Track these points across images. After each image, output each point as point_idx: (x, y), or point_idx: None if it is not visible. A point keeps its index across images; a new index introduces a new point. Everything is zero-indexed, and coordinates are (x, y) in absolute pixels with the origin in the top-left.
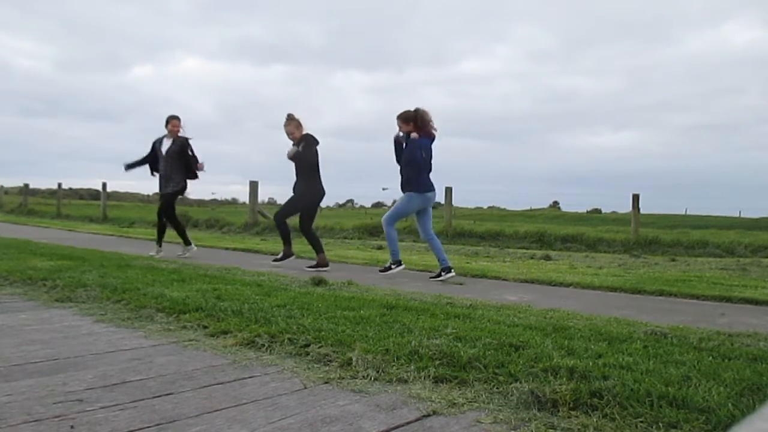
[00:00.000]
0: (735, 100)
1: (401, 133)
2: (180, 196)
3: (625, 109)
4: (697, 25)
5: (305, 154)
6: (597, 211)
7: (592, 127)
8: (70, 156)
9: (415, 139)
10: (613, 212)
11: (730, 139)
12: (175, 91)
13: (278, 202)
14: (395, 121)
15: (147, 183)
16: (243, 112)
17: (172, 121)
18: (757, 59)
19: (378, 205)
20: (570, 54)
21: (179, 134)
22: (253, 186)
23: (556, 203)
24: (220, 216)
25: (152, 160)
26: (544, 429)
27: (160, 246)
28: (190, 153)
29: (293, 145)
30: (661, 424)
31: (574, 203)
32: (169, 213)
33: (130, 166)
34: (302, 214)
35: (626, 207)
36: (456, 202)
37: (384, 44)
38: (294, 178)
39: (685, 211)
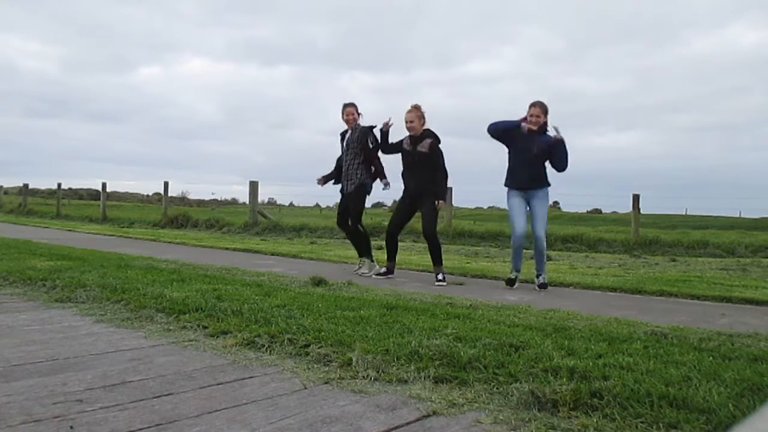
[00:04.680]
0: (739, 101)
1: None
2: (366, 195)
3: (630, 110)
4: (703, 26)
5: (442, 162)
6: (597, 211)
7: (596, 128)
8: (71, 156)
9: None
10: (614, 212)
11: (733, 140)
12: (181, 92)
13: (278, 202)
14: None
15: (147, 183)
16: (247, 112)
17: (347, 109)
18: (762, 60)
19: (378, 204)
20: (576, 55)
21: (358, 122)
22: (253, 186)
23: (556, 203)
24: (220, 216)
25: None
26: (545, 429)
27: (363, 256)
28: (370, 144)
29: (410, 136)
30: (661, 425)
31: (574, 203)
32: (355, 218)
33: (326, 179)
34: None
35: (626, 207)
36: (456, 202)
37: (390, 45)
38: (406, 180)
39: (686, 211)
